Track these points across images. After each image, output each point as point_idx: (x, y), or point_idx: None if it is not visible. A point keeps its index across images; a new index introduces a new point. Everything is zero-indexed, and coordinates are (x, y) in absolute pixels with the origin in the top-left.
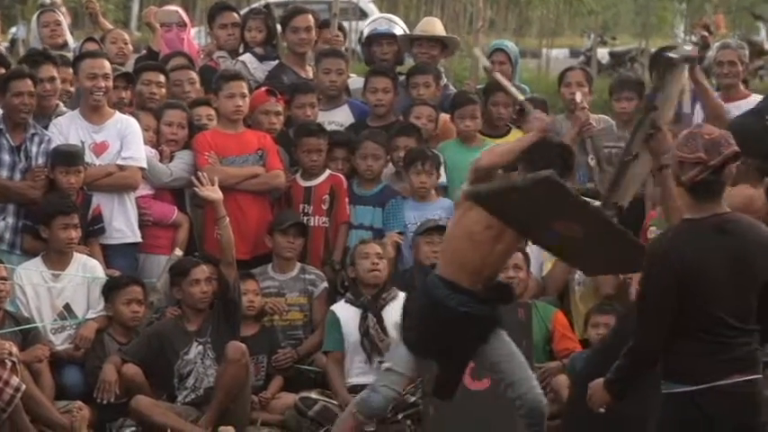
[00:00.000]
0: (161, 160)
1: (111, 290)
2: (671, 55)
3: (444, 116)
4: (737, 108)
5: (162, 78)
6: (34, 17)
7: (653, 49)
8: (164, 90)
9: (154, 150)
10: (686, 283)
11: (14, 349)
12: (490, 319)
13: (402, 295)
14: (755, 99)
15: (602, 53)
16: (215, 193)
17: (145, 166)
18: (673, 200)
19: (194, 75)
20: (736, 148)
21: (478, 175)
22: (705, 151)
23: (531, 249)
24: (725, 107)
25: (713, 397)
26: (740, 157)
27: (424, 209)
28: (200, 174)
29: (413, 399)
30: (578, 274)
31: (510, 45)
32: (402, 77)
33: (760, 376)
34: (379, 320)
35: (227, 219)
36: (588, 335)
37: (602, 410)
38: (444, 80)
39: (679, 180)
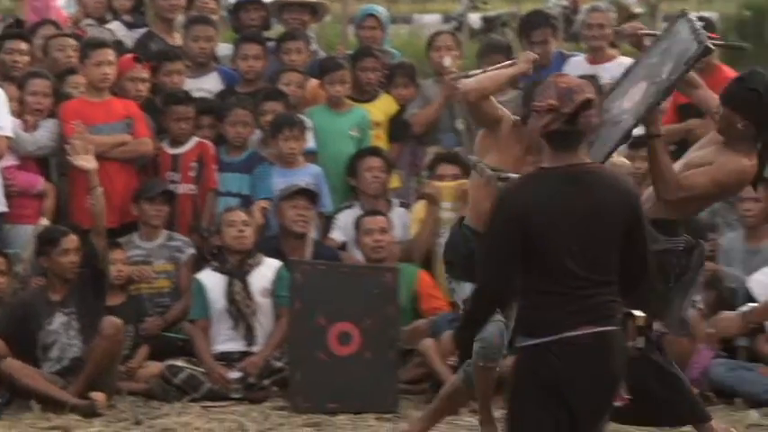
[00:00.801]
0: (26, 129)
1: None
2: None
3: (313, 81)
4: (605, 70)
5: (24, 47)
6: None
7: (524, 14)
8: (27, 58)
9: (18, 120)
10: (527, 229)
11: None
12: None
13: (269, 261)
14: (623, 61)
15: (475, 18)
16: (89, 162)
17: (11, 135)
18: (660, 171)
19: (71, 41)
20: (590, 96)
21: (467, 100)
22: (558, 99)
23: (396, 214)
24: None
25: (563, 348)
26: (593, 106)
27: (292, 175)
28: (74, 142)
29: (279, 364)
30: (444, 238)
31: (381, 10)
32: (270, 43)
33: (614, 328)
34: (245, 286)
35: (101, 188)
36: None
37: (452, 361)
38: (314, 46)
39: (537, 130)
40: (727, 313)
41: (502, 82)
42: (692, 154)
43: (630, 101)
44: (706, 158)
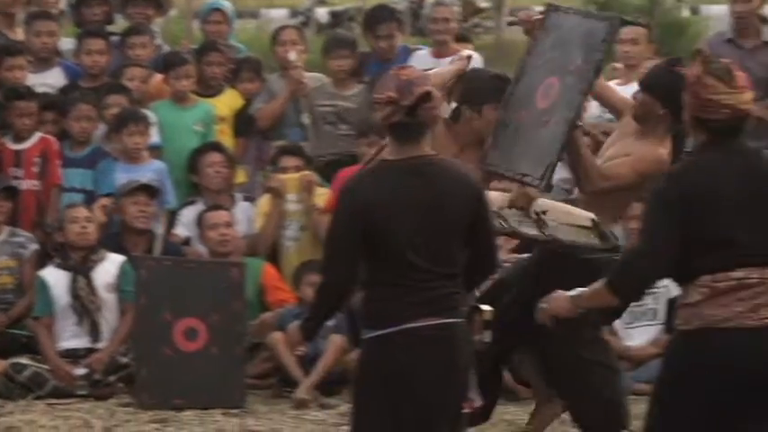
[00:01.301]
0: None
1: None
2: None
3: (157, 76)
4: (450, 63)
5: None
6: None
7: (369, 8)
8: None
9: None
10: (369, 221)
11: None
12: None
13: (112, 257)
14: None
15: (322, 13)
16: None
17: None
18: (581, 161)
19: None
20: (429, 88)
21: None
22: (397, 91)
23: (240, 208)
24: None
25: (405, 340)
26: (433, 98)
27: (136, 170)
28: None
29: (124, 360)
30: (289, 230)
31: (226, 4)
32: (114, 38)
33: (458, 320)
34: (89, 282)
35: None
36: (303, 293)
37: (300, 351)
38: (158, 40)
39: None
40: (560, 293)
41: (443, 80)
42: (607, 153)
43: (546, 100)
44: (623, 151)
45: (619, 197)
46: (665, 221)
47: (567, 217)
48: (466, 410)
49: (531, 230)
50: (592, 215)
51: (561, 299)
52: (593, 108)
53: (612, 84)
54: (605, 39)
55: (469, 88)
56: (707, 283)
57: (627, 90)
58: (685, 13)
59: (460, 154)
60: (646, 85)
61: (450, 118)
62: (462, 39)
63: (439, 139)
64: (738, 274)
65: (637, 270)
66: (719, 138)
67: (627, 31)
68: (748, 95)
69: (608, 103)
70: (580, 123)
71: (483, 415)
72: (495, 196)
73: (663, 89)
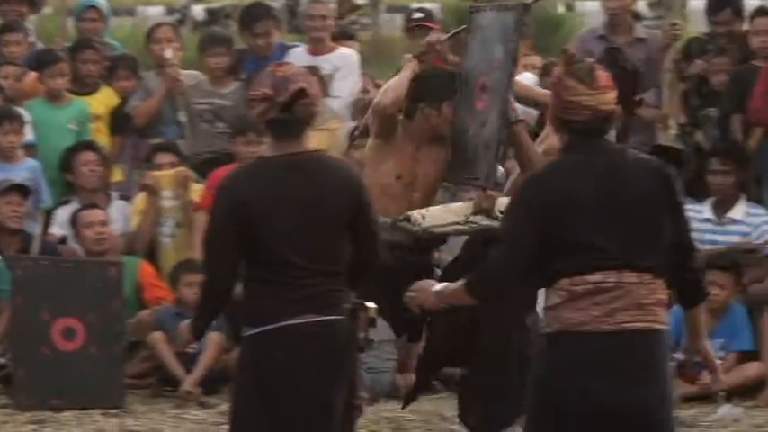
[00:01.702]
0: None
1: None
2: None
3: (31, 74)
4: (326, 61)
5: None
6: None
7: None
8: None
9: None
10: (247, 218)
11: None
12: (424, 266)
13: None
14: (344, 52)
15: (199, 10)
16: None
17: None
18: (526, 154)
19: None
20: (304, 85)
21: (386, 114)
22: (273, 88)
23: (116, 207)
24: None
25: (283, 337)
26: (308, 95)
27: (10, 170)
28: None
29: (2, 360)
30: (166, 227)
31: (101, 2)
32: None
33: (338, 317)
34: None
35: None
36: (181, 294)
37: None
38: (32, 38)
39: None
40: (427, 283)
41: (404, 86)
42: (543, 146)
43: (483, 101)
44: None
45: None
46: (523, 226)
47: None
48: (356, 408)
49: None
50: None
51: (427, 291)
52: None
53: None
54: (515, 28)
55: (428, 86)
56: (565, 287)
57: None
58: (561, 9)
59: (417, 152)
60: None
61: (405, 116)
62: (346, 36)
63: (398, 142)
64: (595, 277)
65: (492, 273)
66: (582, 139)
67: None
68: (610, 96)
69: (531, 100)
70: (522, 119)
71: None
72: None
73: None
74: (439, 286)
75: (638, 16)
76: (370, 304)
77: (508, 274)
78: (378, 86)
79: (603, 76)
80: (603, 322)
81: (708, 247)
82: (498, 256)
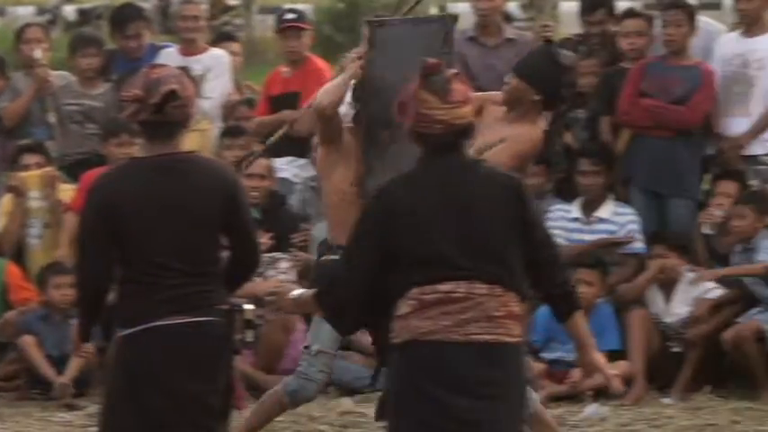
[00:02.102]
0: None
1: None
2: None
3: None
4: (198, 62)
5: None
6: None
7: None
8: None
9: None
10: (116, 219)
11: None
12: None
13: None
14: (216, 52)
15: (70, 11)
16: None
17: None
18: None
19: None
20: (175, 86)
21: (325, 116)
22: (144, 89)
23: None
24: None
25: (152, 338)
26: (179, 97)
27: None
28: None
29: None
30: (33, 228)
31: None
32: None
33: (210, 319)
34: None
35: None
36: (49, 296)
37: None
38: None
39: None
40: (285, 287)
41: (344, 88)
42: (478, 143)
43: (404, 115)
44: (496, 137)
45: None
46: (366, 238)
47: None
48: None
49: None
50: None
51: (285, 296)
52: (343, 105)
53: None
54: (446, 39)
55: None
56: (415, 296)
57: None
58: (433, 11)
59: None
60: (520, 72)
61: (353, 121)
62: (227, 37)
63: (347, 148)
64: (445, 287)
65: (334, 288)
66: (437, 152)
67: None
68: (465, 110)
69: None
70: None
71: None
72: None
73: (538, 75)
74: (296, 292)
75: (509, 17)
76: (247, 306)
77: (347, 289)
78: (247, 88)
79: (460, 90)
80: (453, 332)
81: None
82: (341, 270)
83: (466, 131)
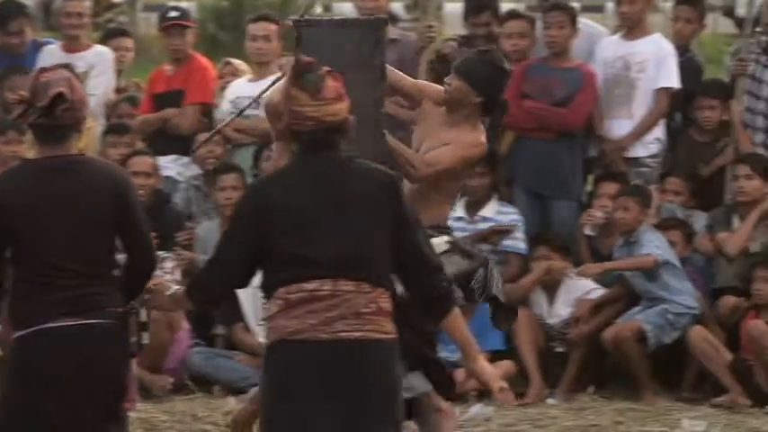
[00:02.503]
0: None
1: None
2: None
3: None
4: (81, 59)
5: None
6: None
7: None
8: None
9: None
10: (7, 220)
11: None
12: None
13: None
14: (99, 49)
15: None
16: None
17: None
18: (401, 154)
19: None
20: (62, 89)
21: (275, 114)
22: (32, 92)
23: None
24: None
25: (44, 340)
26: (66, 101)
27: None
28: None
29: None
30: None
31: None
32: None
33: (102, 321)
34: None
35: None
36: None
37: None
38: None
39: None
40: (161, 285)
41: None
42: (422, 147)
43: None
44: (440, 141)
45: (447, 186)
46: (236, 233)
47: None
48: (127, 410)
49: None
50: (446, 237)
51: (162, 294)
52: (225, 104)
53: (243, 81)
54: (378, 41)
55: None
56: (282, 295)
57: (260, 87)
58: (319, 10)
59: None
60: (462, 73)
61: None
62: (120, 33)
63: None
64: (311, 285)
65: (203, 280)
66: (311, 149)
67: (256, 28)
68: (337, 107)
69: (401, 91)
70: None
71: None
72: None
73: (480, 78)
74: (173, 289)
75: (394, 18)
76: (143, 310)
77: (217, 280)
78: (134, 86)
79: (332, 87)
80: (320, 331)
81: None
82: (208, 263)
83: (339, 128)
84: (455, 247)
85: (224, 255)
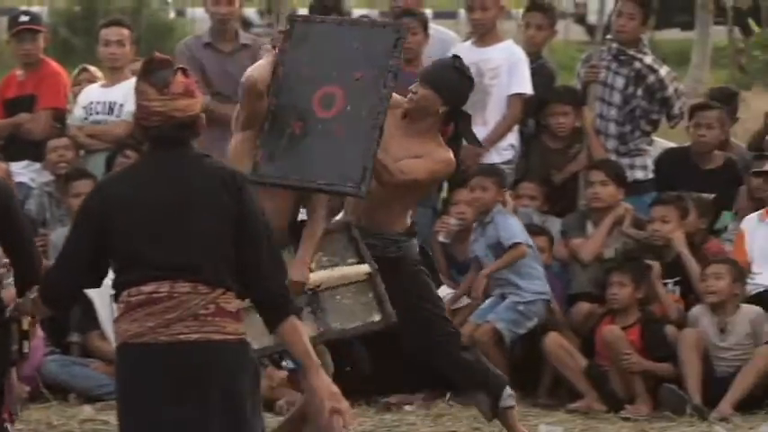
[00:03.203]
0: None
1: None
2: None
3: None
4: None
5: None
6: None
7: None
8: None
9: None
10: None
11: None
12: None
13: None
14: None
15: None
16: None
17: None
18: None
19: None
20: None
21: (256, 90)
22: None
23: None
24: None
25: None
26: None
27: None
28: None
29: None
30: None
31: None
32: None
33: None
34: None
35: None
36: None
37: None
38: None
39: None
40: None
41: (270, 68)
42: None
43: (329, 110)
44: (410, 152)
45: (409, 197)
46: (79, 232)
47: (342, 280)
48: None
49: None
50: (367, 268)
51: (27, 304)
52: (78, 110)
53: (96, 86)
54: (397, 44)
55: None
56: (124, 298)
57: (113, 92)
58: (171, 14)
59: None
60: (429, 82)
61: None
62: None
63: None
64: (148, 288)
65: (50, 281)
66: (159, 146)
67: (109, 33)
68: (184, 102)
69: None
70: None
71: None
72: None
73: (448, 87)
74: (33, 294)
75: (247, 23)
76: (26, 318)
77: (63, 280)
78: None
79: (181, 82)
80: (159, 333)
81: None
82: (55, 262)
83: (188, 125)
84: (371, 278)
85: (69, 254)
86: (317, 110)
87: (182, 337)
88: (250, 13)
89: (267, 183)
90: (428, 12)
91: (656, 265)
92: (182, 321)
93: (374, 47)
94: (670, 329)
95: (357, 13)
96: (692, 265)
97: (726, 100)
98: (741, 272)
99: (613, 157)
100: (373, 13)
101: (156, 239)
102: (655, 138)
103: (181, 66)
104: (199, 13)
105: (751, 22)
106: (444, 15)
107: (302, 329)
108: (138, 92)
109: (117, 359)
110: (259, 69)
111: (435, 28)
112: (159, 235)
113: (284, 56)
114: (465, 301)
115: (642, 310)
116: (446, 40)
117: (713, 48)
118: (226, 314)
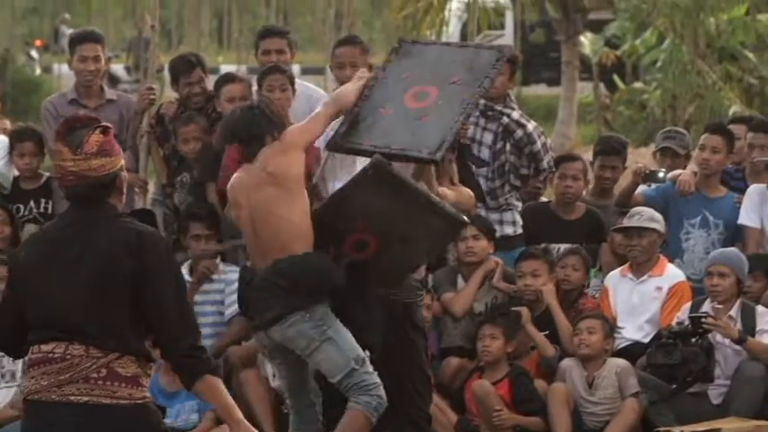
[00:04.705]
0: None
1: None
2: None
3: None
4: None
5: None
6: None
7: None
8: None
9: None
10: None
11: None
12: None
13: None
14: None
15: None
16: None
17: None
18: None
19: None
20: None
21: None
22: None
23: None
24: None
25: None
26: None
27: None
28: None
29: None
30: None
31: None
32: None
33: None
34: None
35: None
36: None
37: None
38: None
39: None
40: None
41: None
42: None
43: (419, 102)
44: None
45: None
46: (7, 290)
47: None
48: None
49: None
50: None
51: None
52: None
53: None
54: (498, 59)
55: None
56: (29, 356)
57: None
58: (38, 71)
59: None
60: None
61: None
62: None
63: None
64: (47, 347)
65: None
66: (74, 204)
67: None
68: (97, 162)
69: None
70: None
71: None
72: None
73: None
74: None
75: (115, 79)
76: None
77: None
78: None
79: (95, 141)
80: (52, 392)
81: None
82: None
83: (104, 184)
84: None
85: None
86: (407, 101)
87: (72, 398)
88: (118, 69)
89: (342, 150)
90: (296, 67)
91: (524, 310)
92: (73, 384)
93: (475, 62)
94: (539, 383)
95: (226, 68)
96: (561, 318)
97: (617, 149)
98: (612, 327)
99: (483, 213)
100: (241, 69)
101: (56, 302)
102: None
103: (102, 124)
104: (65, 70)
105: (616, 78)
106: (312, 71)
107: (218, 386)
108: (55, 151)
109: (23, 414)
110: (308, 131)
111: (302, 83)
112: (58, 297)
113: (387, 65)
114: None
115: (511, 364)
116: (312, 96)
117: (579, 103)
118: (120, 378)
